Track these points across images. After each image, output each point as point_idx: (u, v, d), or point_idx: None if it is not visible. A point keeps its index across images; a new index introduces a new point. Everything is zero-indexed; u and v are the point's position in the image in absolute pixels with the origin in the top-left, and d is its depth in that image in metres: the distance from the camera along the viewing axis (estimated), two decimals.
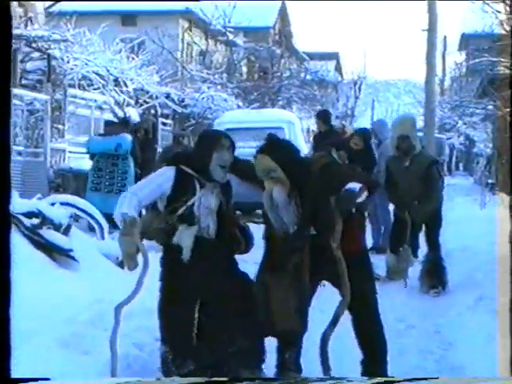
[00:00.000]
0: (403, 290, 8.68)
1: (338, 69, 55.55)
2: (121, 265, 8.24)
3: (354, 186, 4.62)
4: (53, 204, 8.24)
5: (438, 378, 4.90)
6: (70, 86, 15.83)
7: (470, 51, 47.94)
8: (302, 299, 4.82)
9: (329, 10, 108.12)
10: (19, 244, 7.08)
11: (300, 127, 19.52)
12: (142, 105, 19.52)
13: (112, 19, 27.71)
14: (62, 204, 8.12)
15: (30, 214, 7.03)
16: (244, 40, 34.13)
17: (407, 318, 7.56)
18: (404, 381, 4.41)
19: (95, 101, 16.63)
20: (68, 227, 7.34)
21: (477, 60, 21.92)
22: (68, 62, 16.02)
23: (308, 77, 33.23)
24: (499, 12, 21.94)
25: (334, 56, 55.92)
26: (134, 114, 18.99)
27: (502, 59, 22.90)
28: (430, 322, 7.48)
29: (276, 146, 4.90)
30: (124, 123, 13.78)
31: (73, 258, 7.07)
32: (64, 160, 15.20)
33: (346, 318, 4.98)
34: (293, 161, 4.85)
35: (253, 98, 28.33)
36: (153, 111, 21.08)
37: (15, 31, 14.90)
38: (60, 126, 15.26)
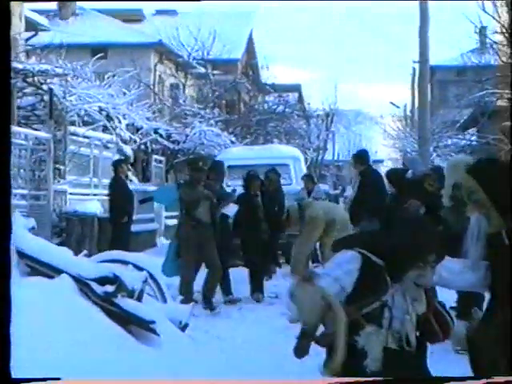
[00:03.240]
0: None
1: (301, 101, 55.06)
2: (184, 329, 7.27)
3: None
4: (100, 262, 7.21)
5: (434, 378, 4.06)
6: (71, 123, 14.78)
7: (434, 83, 48.17)
8: None
9: (290, 39, 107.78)
10: (89, 315, 6.06)
11: (304, 163, 18.70)
12: (135, 141, 18.50)
13: (82, 52, 26.78)
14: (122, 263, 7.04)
15: (103, 280, 5.97)
16: (214, 72, 33.36)
17: None
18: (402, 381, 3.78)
19: (99, 139, 15.57)
20: (141, 293, 6.29)
21: (483, 92, 21.31)
22: (64, 98, 14.98)
23: (287, 110, 32.52)
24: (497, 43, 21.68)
25: (296, 88, 55.38)
26: (128, 151, 18.04)
27: (498, 90, 22.56)
28: None
29: (482, 164, 3.98)
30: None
31: (154, 331, 6.01)
32: (65, 203, 14.08)
33: None
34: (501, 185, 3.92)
35: (231, 131, 27.50)
36: (143, 147, 20.09)
37: (13, 64, 13.88)
38: (61, 167, 14.15)
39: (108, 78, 18.58)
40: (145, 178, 20.57)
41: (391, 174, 10.51)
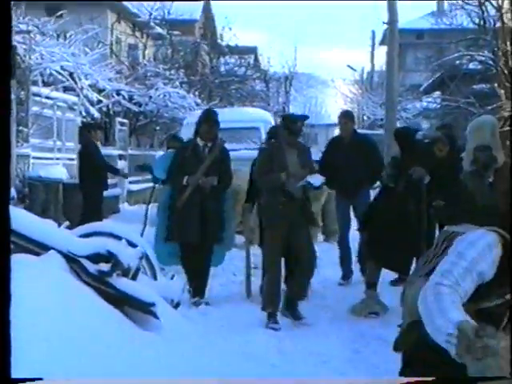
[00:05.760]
0: None
1: (256, 63, 54.34)
2: (176, 307, 6.64)
3: None
4: (86, 235, 6.54)
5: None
6: (34, 83, 13.89)
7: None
8: None
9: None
10: (82, 296, 5.40)
11: None
12: (101, 102, 17.66)
13: (36, 9, 25.75)
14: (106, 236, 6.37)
15: (96, 257, 5.30)
16: (173, 33, 32.54)
17: None
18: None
19: (65, 101, 14.69)
20: (137, 271, 5.64)
21: (456, 54, 20.79)
22: (26, 56, 14.04)
23: (248, 72, 31.82)
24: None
25: (252, 50, 54.65)
26: (95, 114, 17.27)
27: (471, 53, 22.12)
28: None
29: None
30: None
31: (154, 314, 5.37)
32: (29, 167, 13.27)
33: None
34: None
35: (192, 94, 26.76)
36: (105, 109, 19.23)
37: None
38: (24, 129, 13.30)
39: (70, 36, 17.66)
40: (107, 142, 19.77)
41: (400, 132, 9.74)
